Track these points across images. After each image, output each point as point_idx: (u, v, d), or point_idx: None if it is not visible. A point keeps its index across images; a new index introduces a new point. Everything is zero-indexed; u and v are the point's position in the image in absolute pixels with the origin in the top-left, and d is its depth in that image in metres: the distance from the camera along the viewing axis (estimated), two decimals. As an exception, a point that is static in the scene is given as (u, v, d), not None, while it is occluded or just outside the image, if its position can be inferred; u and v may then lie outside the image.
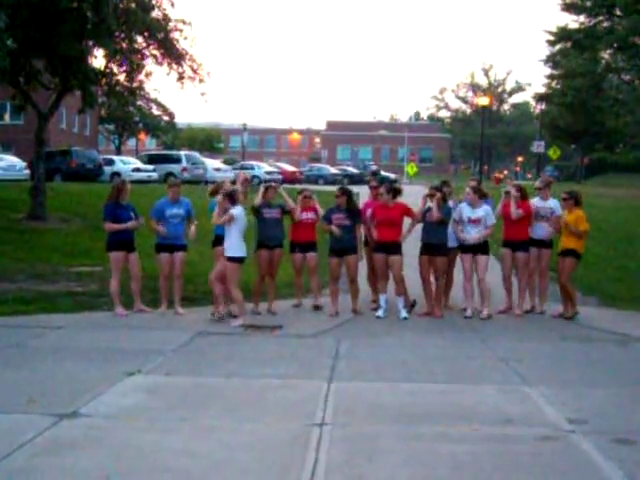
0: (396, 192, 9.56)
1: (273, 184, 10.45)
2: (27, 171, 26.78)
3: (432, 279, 9.63)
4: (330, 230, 9.54)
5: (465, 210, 9.58)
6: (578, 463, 4.84)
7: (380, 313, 9.47)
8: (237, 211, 8.75)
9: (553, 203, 9.81)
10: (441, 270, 9.60)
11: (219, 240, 9.12)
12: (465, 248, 9.60)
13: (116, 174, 29.32)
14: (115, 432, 5.26)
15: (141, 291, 9.64)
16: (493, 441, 5.18)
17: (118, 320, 9.08)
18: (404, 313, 9.39)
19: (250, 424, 5.45)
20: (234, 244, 8.75)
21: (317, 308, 9.92)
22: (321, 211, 9.84)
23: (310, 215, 9.83)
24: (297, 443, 5.04)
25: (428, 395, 6.25)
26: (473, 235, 9.46)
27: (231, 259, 8.77)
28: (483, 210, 9.51)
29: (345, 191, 9.87)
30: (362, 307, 9.90)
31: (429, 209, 9.48)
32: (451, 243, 9.67)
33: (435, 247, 9.47)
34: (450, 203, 9.80)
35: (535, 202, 9.81)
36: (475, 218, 9.48)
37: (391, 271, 9.41)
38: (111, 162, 33.42)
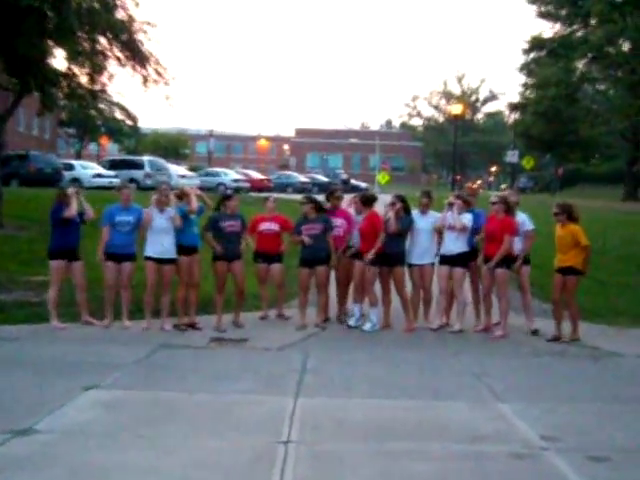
0: (366, 201, 9.43)
1: (232, 193, 10.19)
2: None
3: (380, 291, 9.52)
4: (301, 241, 9.32)
5: (450, 219, 9.39)
6: (552, 481, 4.77)
7: (352, 322, 9.33)
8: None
9: (520, 217, 9.73)
10: (400, 282, 9.39)
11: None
12: (443, 260, 9.46)
13: (76, 180, 28.63)
14: (72, 449, 5.07)
15: (88, 302, 9.21)
16: (465, 459, 5.08)
17: (76, 332, 8.73)
18: (367, 325, 9.25)
19: (214, 441, 5.28)
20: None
21: (282, 317, 9.73)
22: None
23: (273, 226, 9.58)
24: (262, 461, 4.90)
25: (398, 411, 6.12)
26: (456, 243, 9.29)
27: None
28: (465, 217, 9.37)
29: (310, 199, 9.71)
30: (330, 321, 9.70)
31: (388, 220, 9.33)
32: (430, 259, 9.50)
33: (391, 257, 9.25)
34: (448, 213, 9.54)
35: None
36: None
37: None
38: (71, 167, 32.61)
